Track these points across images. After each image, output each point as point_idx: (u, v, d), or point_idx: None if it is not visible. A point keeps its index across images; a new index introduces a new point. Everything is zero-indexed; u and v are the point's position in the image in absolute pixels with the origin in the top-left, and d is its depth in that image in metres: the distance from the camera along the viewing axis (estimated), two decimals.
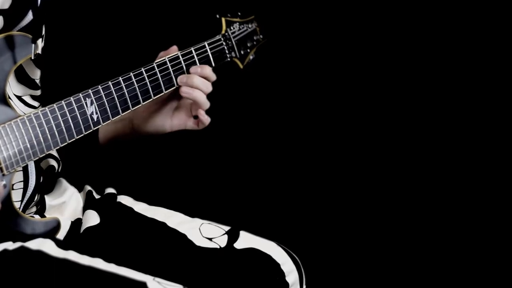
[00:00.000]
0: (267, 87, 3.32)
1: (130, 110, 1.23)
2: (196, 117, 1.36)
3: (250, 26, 1.51)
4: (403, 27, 3.10)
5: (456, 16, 2.82)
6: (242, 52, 1.47)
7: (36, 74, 1.21)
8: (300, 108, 3.58)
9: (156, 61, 1.29)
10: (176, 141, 2.52)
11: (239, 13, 1.48)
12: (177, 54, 1.32)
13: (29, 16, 1.14)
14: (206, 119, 1.35)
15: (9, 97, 1.12)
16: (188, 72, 1.33)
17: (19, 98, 1.18)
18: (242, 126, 3.06)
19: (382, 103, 3.30)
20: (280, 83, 3.42)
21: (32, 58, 1.12)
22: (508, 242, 2.72)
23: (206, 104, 1.34)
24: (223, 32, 1.43)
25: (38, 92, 1.22)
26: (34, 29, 1.14)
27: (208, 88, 1.35)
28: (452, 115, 3.00)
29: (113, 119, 1.20)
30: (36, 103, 1.22)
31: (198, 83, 1.32)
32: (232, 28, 1.45)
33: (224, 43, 1.42)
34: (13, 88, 1.16)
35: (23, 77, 1.18)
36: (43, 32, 1.20)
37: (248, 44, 1.49)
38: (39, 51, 1.16)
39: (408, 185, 3.23)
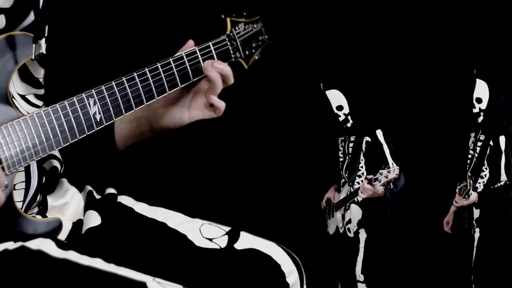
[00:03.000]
0: (271, 88, 3.32)
1: (133, 110, 1.23)
2: (211, 105, 1.35)
3: (255, 26, 1.49)
4: (407, 31, 3.11)
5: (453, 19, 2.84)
6: (247, 52, 1.46)
7: (40, 73, 1.20)
8: (302, 109, 3.59)
9: (160, 61, 1.28)
10: (177, 142, 2.53)
11: (245, 13, 1.47)
12: (181, 54, 1.31)
13: (31, 17, 1.14)
14: (221, 105, 1.34)
15: (13, 97, 1.12)
16: (195, 72, 1.33)
17: (23, 97, 1.17)
18: (244, 127, 3.05)
19: (385, 105, 3.31)
20: (285, 84, 3.42)
21: (33, 58, 1.12)
22: None
23: (219, 89, 1.34)
24: (228, 32, 1.42)
25: (42, 91, 1.22)
26: (36, 29, 1.13)
27: (231, 80, 1.35)
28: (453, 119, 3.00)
29: (116, 118, 1.20)
30: (40, 102, 1.21)
31: (227, 71, 1.33)
32: (237, 28, 1.44)
33: (228, 43, 1.41)
34: (16, 87, 1.16)
35: (26, 76, 1.17)
36: (46, 33, 1.20)
37: (253, 44, 1.48)
38: (42, 50, 1.16)
39: (406, 186, 3.23)
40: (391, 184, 3.00)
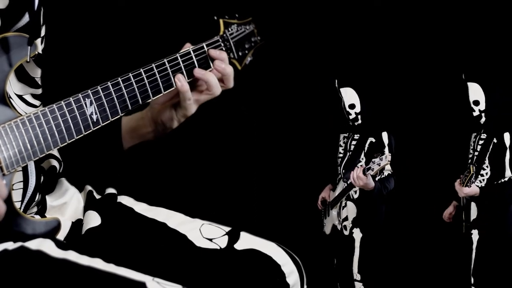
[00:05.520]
0: (267, 88, 3.33)
1: (128, 109, 1.23)
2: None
3: (247, 27, 1.50)
4: (417, 40, 3.11)
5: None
6: (240, 53, 1.46)
7: (36, 73, 1.20)
8: (299, 109, 3.60)
9: (155, 62, 1.28)
10: (177, 142, 2.53)
11: (237, 15, 1.48)
12: (175, 55, 1.32)
13: (26, 18, 1.14)
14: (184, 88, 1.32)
15: (10, 97, 1.12)
16: (189, 72, 1.33)
17: (20, 97, 1.17)
18: (243, 128, 3.05)
19: (394, 109, 3.32)
20: (279, 84, 3.44)
21: (28, 60, 1.12)
22: None
23: (218, 90, 1.34)
24: (221, 33, 1.42)
25: (39, 91, 1.22)
26: (31, 30, 1.13)
27: (230, 82, 1.35)
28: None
29: (112, 119, 1.20)
30: (37, 102, 1.22)
31: (228, 72, 1.34)
32: (230, 29, 1.44)
33: (222, 44, 1.41)
34: (13, 87, 1.16)
35: (23, 76, 1.18)
36: (43, 33, 1.20)
37: (246, 46, 1.48)
38: (39, 50, 1.15)
39: (405, 186, 3.24)
40: (384, 181, 3.02)
